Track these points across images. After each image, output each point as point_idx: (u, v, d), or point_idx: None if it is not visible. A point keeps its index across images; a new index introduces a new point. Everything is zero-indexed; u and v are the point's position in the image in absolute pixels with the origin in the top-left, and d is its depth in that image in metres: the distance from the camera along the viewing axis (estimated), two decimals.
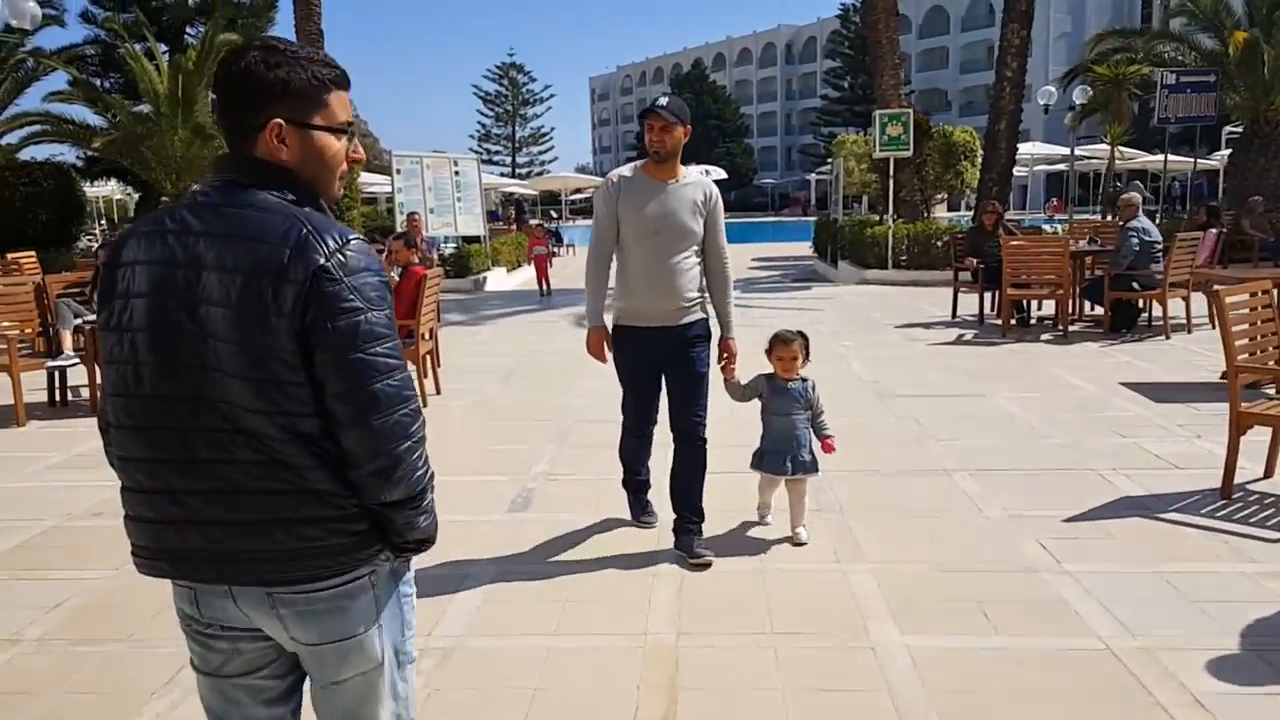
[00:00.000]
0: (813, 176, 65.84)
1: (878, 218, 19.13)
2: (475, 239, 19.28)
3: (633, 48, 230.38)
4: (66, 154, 23.72)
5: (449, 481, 4.85)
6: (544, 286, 15.74)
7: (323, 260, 1.46)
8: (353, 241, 1.51)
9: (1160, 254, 9.59)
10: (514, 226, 29.51)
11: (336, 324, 1.46)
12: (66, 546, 4.48)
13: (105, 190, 30.86)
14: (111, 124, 20.04)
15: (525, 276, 20.76)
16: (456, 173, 18.01)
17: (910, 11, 73.70)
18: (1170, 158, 32.24)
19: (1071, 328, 9.97)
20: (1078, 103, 21.08)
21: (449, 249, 17.62)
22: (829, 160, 59.84)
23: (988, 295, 10.87)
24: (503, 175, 77.56)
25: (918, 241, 15.75)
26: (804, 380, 4.22)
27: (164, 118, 18.06)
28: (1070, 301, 10.14)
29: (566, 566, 4.09)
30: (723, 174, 32.48)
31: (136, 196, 26.57)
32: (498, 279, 18.25)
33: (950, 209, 22.94)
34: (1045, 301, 10.67)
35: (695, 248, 3.97)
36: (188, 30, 25.98)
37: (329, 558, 1.55)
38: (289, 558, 1.53)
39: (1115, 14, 65.37)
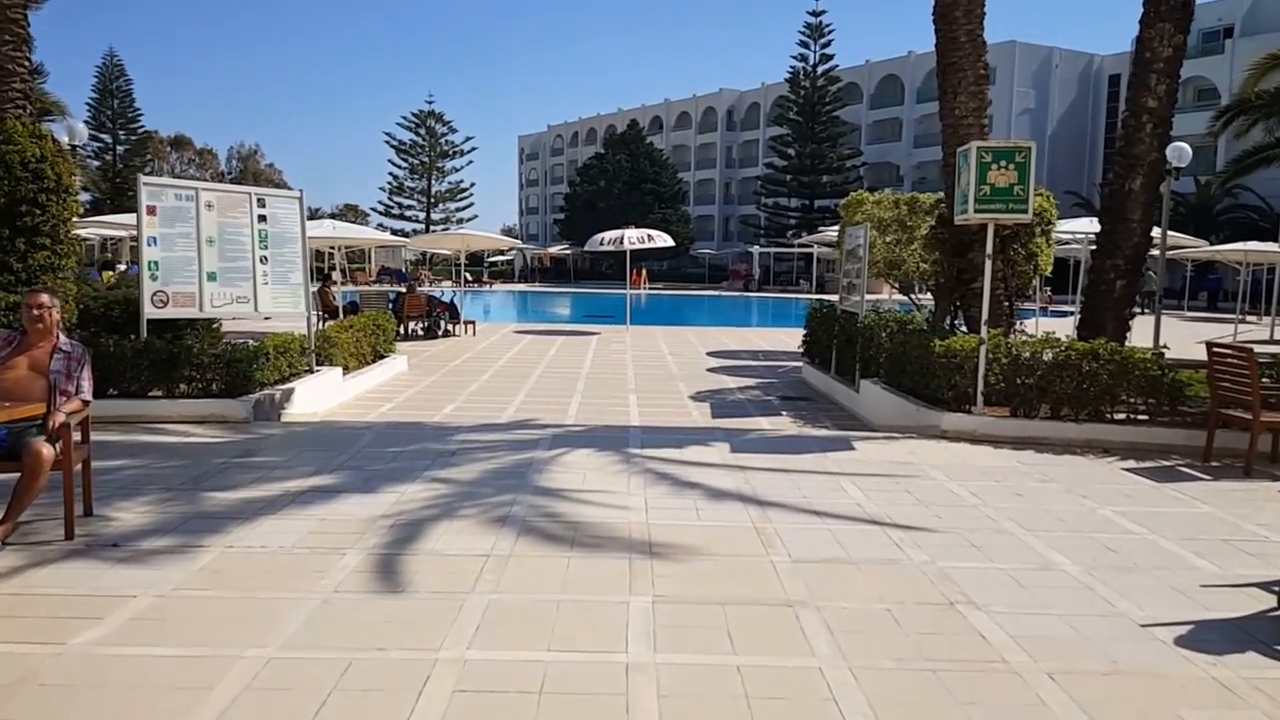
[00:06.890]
0: (756, 249, 60.31)
1: (923, 316, 12.79)
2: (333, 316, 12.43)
3: (565, 107, 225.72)
4: None
5: None
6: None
7: None
8: None
9: None
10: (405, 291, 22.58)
11: None
12: None
13: None
14: None
15: (382, 379, 13.71)
16: (262, 216, 11.01)
17: (862, 81, 69.89)
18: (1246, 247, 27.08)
19: None
20: (1172, 163, 15.23)
21: (236, 338, 10.52)
22: (795, 233, 54.19)
23: None
24: (413, 232, 70.76)
25: (1021, 367, 9.35)
26: None
27: None
28: None
29: None
30: (669, 239, 26.17)
31: None
32: (317, 391, 11.09)
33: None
34: None
35: None
36: None
37: None
38: None
39: (1080, 87, 62.30)
